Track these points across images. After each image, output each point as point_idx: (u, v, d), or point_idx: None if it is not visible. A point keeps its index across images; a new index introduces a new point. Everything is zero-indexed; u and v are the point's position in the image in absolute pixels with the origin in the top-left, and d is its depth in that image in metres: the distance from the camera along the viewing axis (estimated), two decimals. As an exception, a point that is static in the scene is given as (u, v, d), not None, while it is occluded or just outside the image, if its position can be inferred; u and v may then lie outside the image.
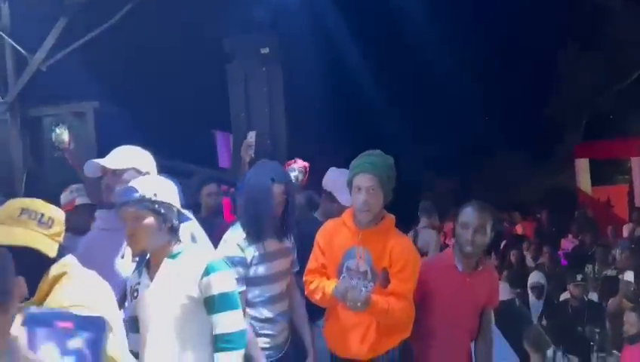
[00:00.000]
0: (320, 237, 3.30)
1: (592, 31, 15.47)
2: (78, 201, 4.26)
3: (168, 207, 2.71)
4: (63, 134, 4.07)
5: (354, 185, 3.11)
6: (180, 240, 2.80)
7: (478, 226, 3.26)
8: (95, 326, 0.82)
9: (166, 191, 2.77)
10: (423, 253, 5.62)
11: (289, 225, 3.32)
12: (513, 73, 14.26)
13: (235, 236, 3.21)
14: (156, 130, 9.07)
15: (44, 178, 7.12)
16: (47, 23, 6.99)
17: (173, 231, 2.76)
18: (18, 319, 0.77)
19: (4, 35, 6.90)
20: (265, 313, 3.22)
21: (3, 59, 7.12)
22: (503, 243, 10.08)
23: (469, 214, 3.29)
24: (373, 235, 3.13)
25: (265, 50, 7.90)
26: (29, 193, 7.06)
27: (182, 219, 2.81)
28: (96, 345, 0.83)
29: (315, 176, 5.84)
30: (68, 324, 0.82)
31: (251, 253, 3.17)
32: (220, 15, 7.42)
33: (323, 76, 7.12)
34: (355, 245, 3.13)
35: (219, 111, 10.57)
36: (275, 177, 3.20)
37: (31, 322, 0.80)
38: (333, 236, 3.24)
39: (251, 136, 4.84)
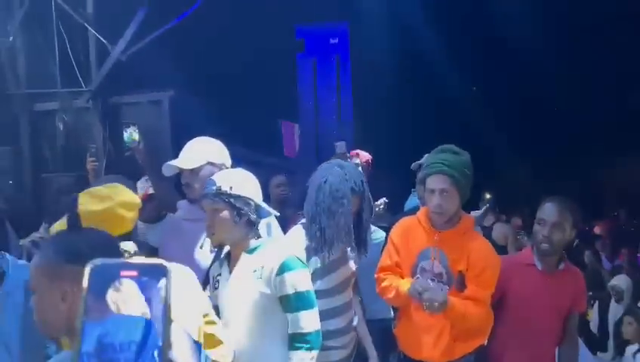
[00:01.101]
0: (394, 234, 3.25)
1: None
2: (151, 191, 4.40)
3: (245, 201, 2.71)
4: (133, 134, 4.22)
5: (427, 187, 3.02)
6: (258, 235, 2.82)
7: (557, 223, 3.10)
8: (159, 273, 0.83)
9: (244, 185, 2.79)
10: (498, 247, 5.41)
11: (362, 239, 3.13)
12: (595, 66, 13.44)
13: (295, 244, 3.02)
14: (226, 118, 9.29)
15: (122, 164, 7.44)
16: (127, 13, 7.23)
17: (251, 225, 2.77)
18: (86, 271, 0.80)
19: (87, 26, 7.20)
20: (331, 325, 3.06)
21: (87, 49, 7.44)
22: (575, 242, 9.63)
23: (547, 210, 3.15)
24: (449, 237, 3.05)
25: (334, 40, 7.90)
26: (107, 173, 7.43)
27: (261, 213, 2.82)
28: (160, 291, 0.84)
29: (381, 169, 5.77)
30: (132, 273, 0.83)
31: (312, 265, 2.99)
32: (293, 4, 7.45)
33: (395, 67, 6.98)
34: (430, 246, 3.06)
35: (285, 100, 10.70)
36: (356, 187, 3.03)
37: (96, 274, 0.81)
38: (409, 235, 3.17)
39: (341, 148, 4.67)
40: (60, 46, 7.43)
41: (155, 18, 7.28)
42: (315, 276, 2.99)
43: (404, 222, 3.27)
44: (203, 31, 7.25)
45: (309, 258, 3.00)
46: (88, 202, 2.19)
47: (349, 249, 3.21)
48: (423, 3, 6.71)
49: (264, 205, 2.84)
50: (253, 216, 2.76)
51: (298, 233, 3.14)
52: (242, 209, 2.68)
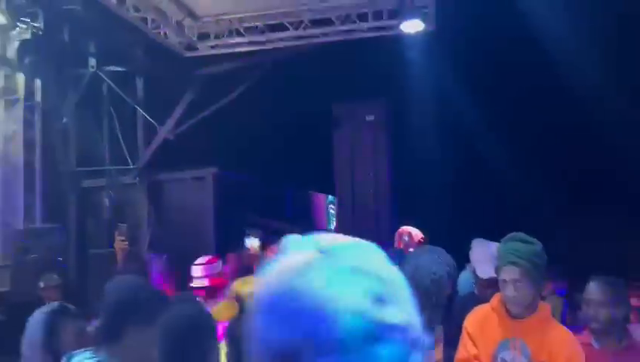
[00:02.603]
0: (469, 325, 3.19)
1: None
2: None
3: None
4: None
5: (500, 277, 3.02)
6: None
7: (602, 302, 3.08)
8: None
9: None
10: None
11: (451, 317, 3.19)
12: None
13: None
14: (264, 192, 9.52)
15: (165, 237, 7.60)
16: (175, 96, 7.63)
17: None
18: None
19: (137, 108, 7.60)
20: None
21: (135, 129, 7.80)
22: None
23: (591, 289, 3.14)
24: (528, 326, 3.00)
25: (370, 118, 8.18)
26: (152, 248, 7.59)
27: None
28: None
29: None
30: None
31: None
32: (330, 82, 7.80)
33: (435, 144, 7.14)
34: (509, 336, 3.02)
35: (322, 175, 10.94)
36: (451, 270, 3.08)
37: None
38: (484, 325, 3.11)
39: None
40: (109, 126, 7.83)
41: (201, 100, 7.66)
42: None
43: (478, 311, 3.22)
44: (245, 111, 7.59)
45: None
46: None
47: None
48: (461, 77, 6.93)
49: None
50: None
51: None
52: None
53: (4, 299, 6.20)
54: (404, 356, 0.78)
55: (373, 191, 7.95)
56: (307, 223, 11.16)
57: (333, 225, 13.40)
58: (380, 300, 0.78)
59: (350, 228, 7.78)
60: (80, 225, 7.73)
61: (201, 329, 1.91)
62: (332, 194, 12.85)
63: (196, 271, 4.42)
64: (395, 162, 7.98)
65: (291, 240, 0.85)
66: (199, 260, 4.44)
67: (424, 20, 6.04)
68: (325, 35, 6.87)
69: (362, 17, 6.64)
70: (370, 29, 6.74)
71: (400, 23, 6.15)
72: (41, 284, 5.33)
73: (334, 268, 0.79)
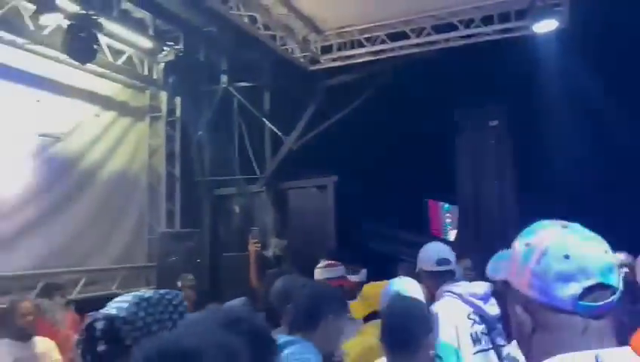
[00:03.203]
0: None
1: None
2: None
3: None
4: None
5: None
6: None
7: None
8: None
9: None
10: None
11: None
12: None
13: None
14: (382, 199, 9.59)
15: (290, 242, 7.93)
16: (299, 109, 7.98)
17: None
18: None
19: (265, 120, 8.04)
20: None
21: (262, 140, 8.26)
22: None
23: None
24: None
25: (494, 123, 7.94)
26: (278, 258, 7.98)
27: None
28: None
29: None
30: None
31: None
32: (451, 88, 7.71)
33: (564, 149, 6.74)
34: None
35: (435, 180, 10.77)
36: None
37: None
38: None
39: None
40: (239, 138, 8.36)
41: (324, 111, 7.93)
42: None
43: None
44: (366, 120, 7.74)
45: None
46: None
47: None
48: (595, 77, 6.48)
49: None
50: None
51: None
52: None
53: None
54: None
55: (499, 199, 7.67)
56: (424, 231, 11.05)
57: (449, 233, 13.11)
58: None
59: (474, 237, 7.58)
60: (213, 230, 8.33)
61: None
62: (450, 202, 12.62)
63: (317, 274, 4.59)
64: (522, 168, 7.65)
65: None
66: (320, 264, 4.55)
67: (558, 19, 5.77)
68: (447, 40, 6.82)
69: (487, 20, 6.50)
70: (494, 32, 6.58)
71: (530, 23, 5.93)
72: (179, 283, 5.76)
73: None
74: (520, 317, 1.11)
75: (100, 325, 1.47)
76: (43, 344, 3.86)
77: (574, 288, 1.05)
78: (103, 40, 6.59)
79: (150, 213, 8.17)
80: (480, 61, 6.97)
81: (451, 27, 6.68)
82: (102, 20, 5.73)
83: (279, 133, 7.95)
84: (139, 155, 8.10)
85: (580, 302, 1.04)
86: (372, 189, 8.73)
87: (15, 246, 6.00)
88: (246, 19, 6.22)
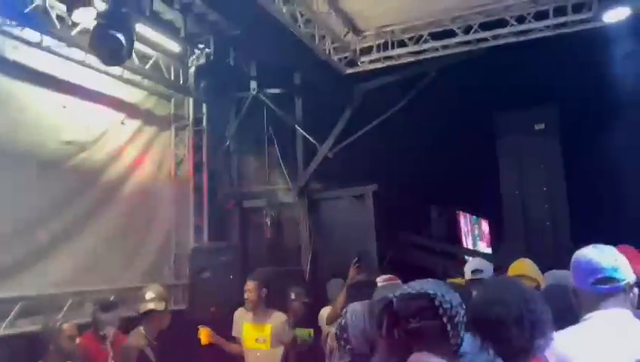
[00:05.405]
0: None
1: None
2: None
3: None
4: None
5: None
6: None
7: None
8: None
9: None
10: None
11: None
12: None
13: None
14: (416, 209, 9.14)
15: (325, 255, 7.47)
16: (333, 114, 7.56)
17: None
18: None
19: (298, 128, 7.62)
20: None
21: (294, 148, 7.83)
22: None
23: None
24: None
25: (540, 126, 7.51)
26: (314, 268, 7.49)
27: None
28: None
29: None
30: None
31: None
32: (490, 91, 7.31)
33: (615, 152, 6.30)
34: None
35: (465, 191, 10.33)
36: None
37: None
38: None
39: None
40: (269, 147, 7.94)
41: (360, 116, 7.52)
42: None
43: None
44: (406, 125, 7.32)
45: None
46: None
47: None
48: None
49: None
50: None
51: None
52: None
53: (181, 317, 6.30)
54: None
55: (548, 207, 7.21)
56: (454, 242, 10.55)
57: (479, 245, 12.64)
58: None
59: (523, 249, 7.11)
60: (243, 244, 7.84)
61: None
62: (477, 214, 12.20)
63: (378, 292, 4.25)
64: (570, 175, 7.20)
65: None
66: (379, 279, 4.22)
67: (632, 6, 5.38)
68: (496, 37, 6.42)
69: (540, 15, 6.11)
70: (547, 28, 6.18)
71: (596, 14, 5.52)
72: (292, 295, 5.61)
73: None
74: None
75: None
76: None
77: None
78: (131, 43, 6.20)
79: (177, 226, 7.70)
80: (527, 59, 6.56)
81: (502, 23, 6.28)
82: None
83: (313, 141, 7.51)
84: (164, 166, 7.67)
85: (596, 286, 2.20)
86: (409, 199, 8.29)
87: (39, 263, 5.54)
88: (287, 15, 5.81)
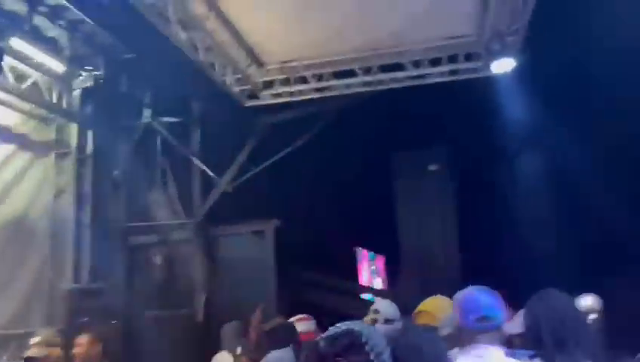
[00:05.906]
0: None
1: None
2: None
3: None
4: None
5: None
6: None
7: None
8: None
9: None
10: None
11: None
12: None
13: None
14: (316, 246, 9.01)
15: (222, 296, 7.07)
16: (233, 147, 7.30)
17: None
18: None
19: (193, 160, 7.25)
20: None
21: (189, 182, 7.42)
22: None
23: None
24: None
25: (433, 167, 7.80)
26: (208, 309, 7.01)
27: None
28: None
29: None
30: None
31: None
32: (388, 131, 7.47)
33: (509, 193, 6.63)
34: None
35: (362, 228, 10.45)
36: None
37: None
38: None
39: None
40: (163, 179, 7.46)
41: (260, 150, 7.33)
42: None
43: None
44: (307, 161, 7.22)
45: None
46: None
47: None
48: (546, 116, 6.46)
49: None
50: None
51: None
52: None
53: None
54: None
55: (441, 245, 7.43)
56: (354, 279, 10.55)
57: (375, 281, 12.79)
58: None
59: (418, 286, 7.22)
60: (128, 286, 7.19)
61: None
62: (375, 250, 12.39)
63: None
64: (463, 214, 7.51)
65: None
66: (293, 319, 4.08)
67: (516, 59, 5.77)
68: (394, 80, 6.60)
69: (435, 62, 6.38)
70: (441, 74, 6.47)
71: (484, 63, 5.87)
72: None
73: None
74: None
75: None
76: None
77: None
78: (5, 60, 5.54)
79: (52, 265, 6.88)
80: (427, 102, 6.81)
81: (399, 67, 6.48)
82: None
83: (211, 174, 7.16)
84: (41, 197, 6.87)
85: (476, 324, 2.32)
86: (309, 235, 8.15)
87: None
88: (186, 42, 5.51)
